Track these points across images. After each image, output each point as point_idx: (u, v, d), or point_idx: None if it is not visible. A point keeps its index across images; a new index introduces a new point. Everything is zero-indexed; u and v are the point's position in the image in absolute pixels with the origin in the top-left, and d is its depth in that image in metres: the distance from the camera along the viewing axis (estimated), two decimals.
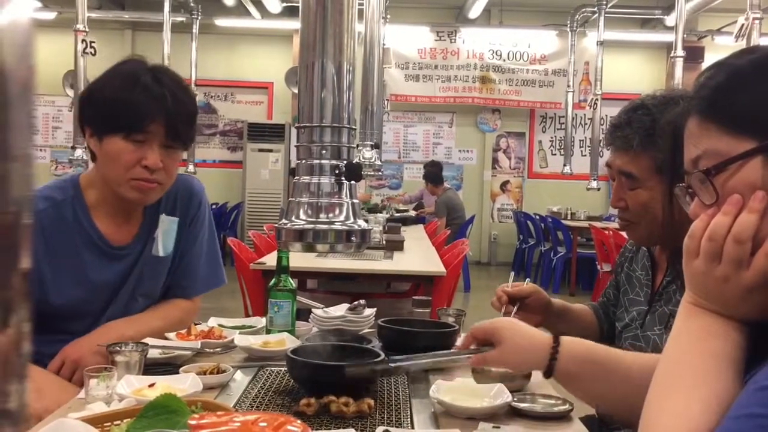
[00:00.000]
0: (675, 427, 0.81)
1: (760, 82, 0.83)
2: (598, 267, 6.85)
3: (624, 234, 1.74)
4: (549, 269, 8.51)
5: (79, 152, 4.92)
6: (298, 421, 0.52)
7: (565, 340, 1.26)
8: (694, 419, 0.80)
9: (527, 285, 1.81)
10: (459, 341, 1.58)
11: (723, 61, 0.88)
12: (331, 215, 1.30)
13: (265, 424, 0.51)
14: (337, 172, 1.31)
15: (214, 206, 9.28)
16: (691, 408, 0.81)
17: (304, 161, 1.32)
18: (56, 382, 1.61)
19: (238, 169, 10.38)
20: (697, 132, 0.87)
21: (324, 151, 1.30)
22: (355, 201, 1.35)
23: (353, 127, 1.34)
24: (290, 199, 1.37)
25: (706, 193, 0.85)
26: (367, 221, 1.36)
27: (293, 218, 1.34)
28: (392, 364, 1.42)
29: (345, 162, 1.31)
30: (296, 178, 1.36)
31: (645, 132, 1.52)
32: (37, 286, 1.68)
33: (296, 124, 1.31)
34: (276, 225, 1.36)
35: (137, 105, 1.66)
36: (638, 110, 1.56)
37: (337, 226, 1.31)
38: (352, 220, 1.33)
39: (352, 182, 1.36)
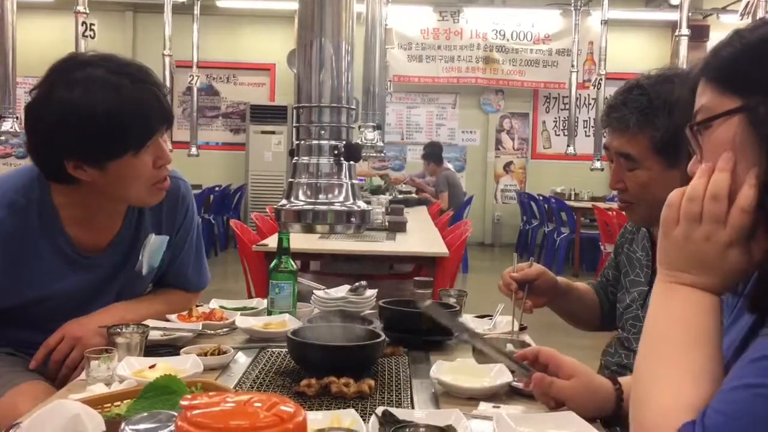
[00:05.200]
0: (668, 403, 0.82)
1: (759, 50, 0.87)
2: (602, 247, 6.85)
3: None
4: (552, 250, 8.50)
5: None
6: (292, 402, 0.52)
7: (624, 380, 1.23)
8: (686, 393, 0.82)
9: (533, 267, 1.79)
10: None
11: (738, 31, 0.91)
12: (330, 196, 1.29)
13: (259, 404, 0.51)
14: (336, 152, 1.31)
15: (217, 189, 9.28)
16: (681, 383, 0.83)
17: (303, 142, 1.31)
18: (30, 391, 1.55)
19: (240, 151, 10.36)
20: (699, 91, 0.91)
21: (323, 132, 1.29)
22: (354, 182, 1.34)
23: (352, 107, 1.34)
24: (290, 179, 1.37)
25: (697, 146, 0.91)
26: (369, 202, 1.35)
27: (293, 199, 1.33)
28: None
29: (344, 142, 1.30)
30: (295, 158, 1.35)
31: (641, 112, 1.51)
32: None
33: (295, 104, 1.31)
34: (275, 206, 1.35)
35: (143, 118, 1.53)
36: (633, 90, 1.55)
37: (337, 207, 1.31)
38: (351, 200, 1.33)
39: (352, 163, 1.36)
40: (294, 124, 1.30)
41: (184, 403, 0.50)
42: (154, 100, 1.56)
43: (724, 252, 0.86)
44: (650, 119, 1.49)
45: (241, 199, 9.97)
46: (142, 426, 0.68)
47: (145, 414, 0.70)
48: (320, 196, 1.30)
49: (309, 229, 1.32)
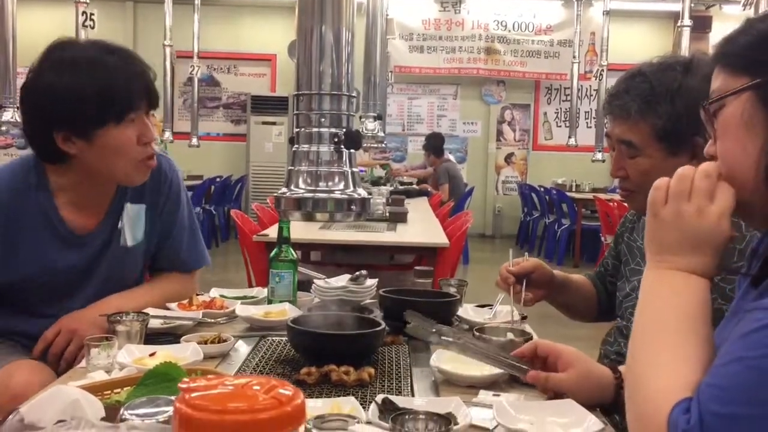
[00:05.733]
0: (664, 385, 0.83)
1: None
2: (602, 238, 6.85)
3: (626, 204, 1.73)
4: (553, 241, 8.50)
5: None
6: (291, 385, 0.52)
7: (624, 370, 1.24)
8: (681, 374, 0.83)
9: (529, 261, 1.79)
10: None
11: (750, 20, 0.93)
12: (330, 183, 1.29)
13: (258, 387, 0.51)
14: (336, 140, 1.30)
15: (218, 179, 9.27)
16: (676, 365, 0.84)
17: (303, 129, 1.31)
18: (26, 364, 1.58)
19: (241, 142, 10.36)
20: (713, 78, 0.93)
21: (323, 119, 1.29)
22: (355, 169, 1.34)
23: (353, 94, 1.33)
24: (289, 167, 1.36)
25: (711, 128, 0.93)
26: (369, 193, 1.35)
27: (293, 187, 1.33)
28: (447, 338, 1.36)
29: (344, 130, 1.30)
30: (295, 146, 1.35)
31: (643, 99, 1.50)
32: None
33: (295, 92, 1.30)
34: (275, 194, 1.35)
35: (124, 87, 1.62)
36: (636, 77, 1.54)
37: (337, 195, 1.31)
38: (351, 188, 1.32)
39: (352, 150, 1.35)
40: (294, 112, 1.30)
41: (182, 385, 0.50)
42: (139, 76, 1.66)
43: (717, 223, 0.88)
44: (652, 106, 1.49)
45: (242, 190, 9.97)
46: (141, 410, 0.68)
47: (144, 399, 0.70)
48: (320, 183, 1.30)
49: (309, 217, 1.31)
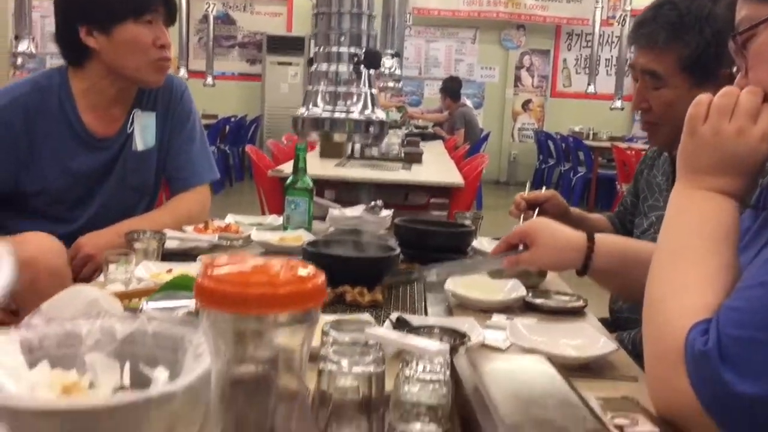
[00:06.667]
0: (685, 304, 0.82)
1: None
2: (618, 187, 6.80)
3: (646, 137, 1.71)
4: (568, 189, 8.46)
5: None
6: (312, 266, 0.52)
7: (599, 237, 1.24)
8: (703, 295, 0.82)
9: (545, 191, 1.79)
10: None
11: None
12: (348, 103, 1.28)
13: (279, 267, 0.51)
14: (355, 60, 1.29)
15: (232, 119, 9.23)
16: (698, 285, 0.83)
17: (321, 49, 1.29)
18: (39, 234, 1.62)
19: (257, 82, 10.28)
20: (739, 6, 0.89)
21: (342, 38, 1.27)
22: (373, 91, 1.33)
23: (373, 14, 1.31)
24: (307, 88, 1.35)
25: (741, 60, 0.88)
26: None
27: (311, 106, 1.32)
28: (426, 271, 1.37)
29: (364, 49, 1.28)
30: (314, 66, 1.33)
31: (671, 27, 1.46)
32: (13, 167, 1.73)
33: (314, 11, 1.28)
34: (293, 115, 1.34)
35: None
36: (664, 6, 1.50)
37: (355, 116, 1.30)
38: (370, 109, 1.31)
39: (371, 71, 1.34)
40: (313, 32, 1.29)
41: (205, 262, 0.51)
42: None
43: (758, 145, 0.85)
44: (680, 35, 1.45)
45: (257, 130, 9.93)
46: (161, 303, 0.69)
47: (164, 294, 0.71)
48: (339, 103, 1.28)
49: (326, 137, 1.31)
